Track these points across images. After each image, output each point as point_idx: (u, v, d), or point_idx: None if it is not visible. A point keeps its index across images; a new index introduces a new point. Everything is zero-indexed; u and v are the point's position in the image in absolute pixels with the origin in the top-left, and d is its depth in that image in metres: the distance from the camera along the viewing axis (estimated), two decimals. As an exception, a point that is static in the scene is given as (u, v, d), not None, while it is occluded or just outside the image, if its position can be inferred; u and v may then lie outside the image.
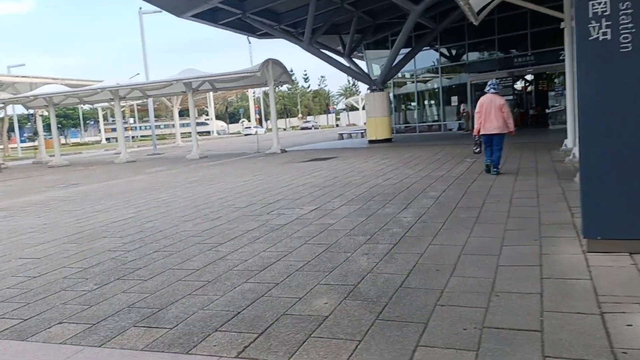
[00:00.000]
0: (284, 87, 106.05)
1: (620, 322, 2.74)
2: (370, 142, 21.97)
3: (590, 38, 3.77)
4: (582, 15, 3.79)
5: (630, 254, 3.82)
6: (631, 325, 2.69)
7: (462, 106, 25.26)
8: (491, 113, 9.01)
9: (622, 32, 3.67)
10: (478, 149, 9.73)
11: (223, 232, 5.92)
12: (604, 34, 3.72)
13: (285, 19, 22.02)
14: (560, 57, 22.33)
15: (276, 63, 20.47)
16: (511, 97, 24.60)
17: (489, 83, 9.58)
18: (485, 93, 9.39)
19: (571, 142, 12.20)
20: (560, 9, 12.14)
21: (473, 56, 26.29)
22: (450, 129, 26.76)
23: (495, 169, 9.01)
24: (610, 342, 2.54)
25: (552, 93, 23.01)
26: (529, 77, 25.98)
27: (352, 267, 4.19)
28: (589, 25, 3.76)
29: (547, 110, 23.15)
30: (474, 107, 25.17)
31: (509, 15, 23.49)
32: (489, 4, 12.33)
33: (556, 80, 23.53)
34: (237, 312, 3.39)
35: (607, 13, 3.72)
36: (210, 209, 7.65)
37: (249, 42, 59.12)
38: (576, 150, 9.88)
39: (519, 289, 3.39)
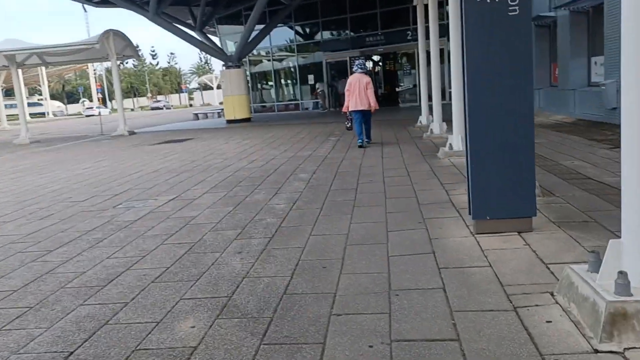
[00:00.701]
0: (130, 63, 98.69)
1: (539, 319, 2.42)
2: (229, 122, 20.99)
3: None
4: (469, -26, 3.43)
5: (519, 233, 3.64)
6: (551, 322, 2.38)
7: (317, 85, 25.38)
8: (359, 91, 9.48)
9: (509, -6, 3.39)
10: (350, 124, 10.13)
11: (54, 235, 4.75)
12: (492, -5, 3.41)
13: (128, -14, 19.82)
14: (408, 37, 23.46)
15: (118, 34, 18.35)
16: (365, 76, 25.25)
17: (356, 63, 10.07)
18: (353, 72, 9.83)
19: (425, 118, 12.61)
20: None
21: (327, 35, 26.45)
22: (307, 108, 26.81)
23: (367, 140, 9.78)
24: (537, 346, 2.19)
25: (401, 72, 24.05)
26: (376, 57, 26.81)
27: (224, 271, 3.46)
28: (477, -14, 3.42)
29: (397, 89, 24.16)
30: (330, 86, 25.61)
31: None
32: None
33: (401, 61, 24.63)
34: (69, 353, 2.48)
35: (494, -28, 3.41)
36: (39, 205, 6.28)
37: (85, 11, 53.09)
38: (434, 127, 10.13)
39: (419, 284, 2.97)
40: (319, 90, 25.17)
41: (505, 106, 3.54)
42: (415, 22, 23.66)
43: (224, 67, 20.91)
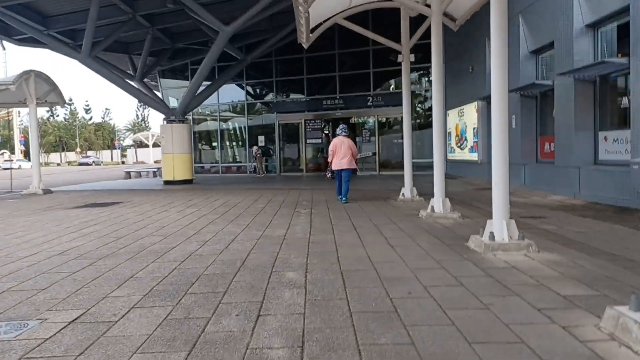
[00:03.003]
0: (61, 116, 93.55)
1: None
2: (167, 182, 18.29)
3: None
4: None
5: None
6: None
7: (254, 148, 23.42)
8: (342, 152, 10.64)
9: None
10: (330, 174, 11.39)
11: None
12: None
13: (57, 24, 17.27)
14: (368, 103, 22.15)
15: (41, 76, 15.61)
16: (320, 141, 23.54)
17: (339, 127, 11.04)
18: (337, 135, 10.94)
19: (409, 191, 10.69)
20: (397, 39, 10.76)
21: (281, 96, 24.82)
22: (252, 171, 24.56)
23: (344, 198, 10.66)
24: None
25: (359, 139, 22.46)
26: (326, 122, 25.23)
27: None
28: None
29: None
30: (265, 149, 23.77)
31: (317, 56, 22.67)
32: (325, 21, 10.33)
33: (365, 126, 23.18)
34: None
35: None
36: None
37: (3, 49, 48.61)
38: (435, 204, 8.12)
39: None
40: (256, 154, 23.18)
41: None
42: (375, 88, 22.67)
43: (164, 122, 18.43)
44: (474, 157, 16.53)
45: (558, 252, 5.16)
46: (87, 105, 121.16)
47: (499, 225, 5.35)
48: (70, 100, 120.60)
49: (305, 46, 10.58)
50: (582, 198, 9.95)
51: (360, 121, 23.40)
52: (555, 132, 11.18)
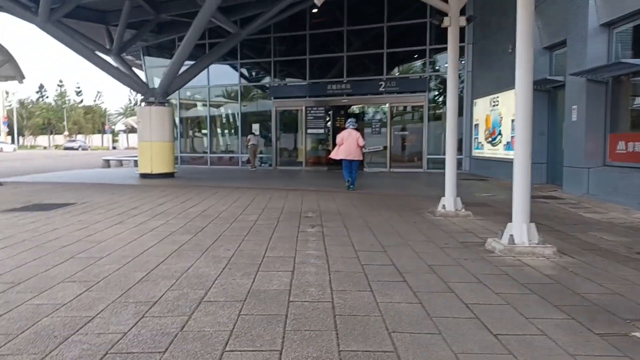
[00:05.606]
0: (50, 95, 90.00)
1: None
2: (143, 176, 15.50)
3: None
4: None
5: None
6: None
7: (249, 137, 20.43)
8: (350, 144, 11.24)
9: None
10: None
11: None
12: None
13: (13, -19, 14.39)
14: (380, 89, 19.34)
15: (-12, 43, 12.78)
16: (322, 131, 20.78)
17: (348, 120, 11.70)
18: (346, 127, 11.55)
19: (452, 202, 7.98)
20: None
21: (279, 79, 21.96)
22: (245, 161, 21.72)
23: (352, 186, 11.37)
24: None
25: (368, 130, 19.62)
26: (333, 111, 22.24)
27: None
28: None
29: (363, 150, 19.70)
30: (265, 137, 20.95)
31: (322, 33, 19.90)
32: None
33: (373, 115, 20.37)
34: None
35: None
36: None
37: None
38: (515, 232, 5.38)
39: None
40: (248, 144, 20.22)
41: None
42: (389, 71, 19.87)
43: (143, 104, 15.60)
44: (510, 154, 13.83)
45: None
46: (78, 88, 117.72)
47: None
48: (61, 81, 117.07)
49: (317, 2, 7.80)
50: (692, 219, 7.28)
51: (369, 109, 20.62)
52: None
